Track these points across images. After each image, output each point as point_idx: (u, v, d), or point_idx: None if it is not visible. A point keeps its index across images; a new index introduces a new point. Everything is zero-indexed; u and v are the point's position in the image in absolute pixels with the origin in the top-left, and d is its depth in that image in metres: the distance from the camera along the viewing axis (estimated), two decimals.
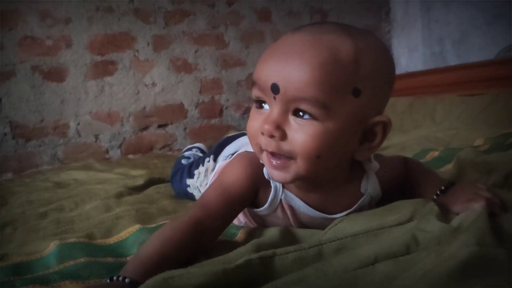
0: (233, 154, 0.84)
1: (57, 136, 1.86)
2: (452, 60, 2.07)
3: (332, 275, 0.38)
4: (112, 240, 0.70)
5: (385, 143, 1.41)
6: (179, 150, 2.00)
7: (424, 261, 0.38)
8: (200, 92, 2.13)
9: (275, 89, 0.49)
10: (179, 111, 2.09)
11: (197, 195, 0.91)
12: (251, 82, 0.55)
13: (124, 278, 0.44)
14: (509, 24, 1.77)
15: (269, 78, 0.49)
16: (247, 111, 2.23)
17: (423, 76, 2.01)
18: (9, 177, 1.67)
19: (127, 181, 1.17)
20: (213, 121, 2.16)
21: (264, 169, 0.58)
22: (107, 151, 1.95)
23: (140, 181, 1.08)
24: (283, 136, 0.49)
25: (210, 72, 2.15)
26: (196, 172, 0.92)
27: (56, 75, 1.84)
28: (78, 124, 1.90)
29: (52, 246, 0.66)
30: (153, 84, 2.03)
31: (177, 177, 0.96)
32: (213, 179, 0.77)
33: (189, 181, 0.92)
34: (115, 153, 1.96)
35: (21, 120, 1.79)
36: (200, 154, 1.12)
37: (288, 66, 0.48)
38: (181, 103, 2.10)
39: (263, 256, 0.41)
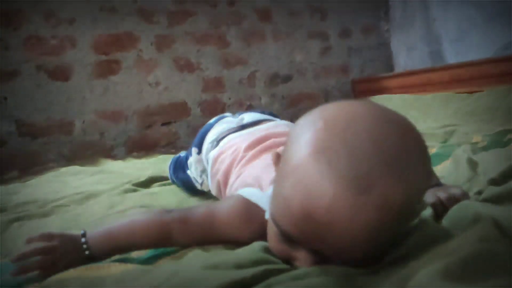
0: (218, 141, 0.84)
1: (63, 134, 1.89)
2: (451, 58, 2.09)
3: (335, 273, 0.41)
4: None
5: None
6: (183, 147, 2.03)
7: (423, 257, 0.39)
8: (202, 90, 2.16)
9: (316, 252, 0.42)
10: (182, 109, 2.12)
11: (198, 187, 0.92)
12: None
13: (86, 249, 0.57)
14: (507, 22, 1.78)
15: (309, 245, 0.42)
16: (248, 108, 2.26)
17: (422, 74, 2.03)
18: (15, 175, 1.71)
19: (132, 178, 1.20)
20: None
21: None
22: (112, 149, 1.98)
23: (144, 178, 1.10)
24: None
25: (212, 71, 2.17)
26: (188, 162, 0.93)
27: (61, 74, 1.87)
28: (83, 122, 1.93)
29: None
30: (157, 83, 2.06)
31: (178, 169, 0.97)
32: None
33: (189, 173, 0.93)
34: (120, 151, 1.99)
35: (27, 118, 1.82)
36: None
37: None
38: (184, 101, 2.12)
39: (281, 269, 0.43)
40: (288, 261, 0.47)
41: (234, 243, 0.57)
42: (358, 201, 0.37)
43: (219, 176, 0.78)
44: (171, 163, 1.02)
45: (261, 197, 0.58)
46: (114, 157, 1.89)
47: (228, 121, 0.90)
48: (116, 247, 0.58)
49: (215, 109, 2.19)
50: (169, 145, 2.09)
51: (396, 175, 0.37)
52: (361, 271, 0.42)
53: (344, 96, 2.47)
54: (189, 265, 0.52)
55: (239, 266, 0.47)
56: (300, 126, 0.43)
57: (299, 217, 0.39)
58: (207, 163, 0.85)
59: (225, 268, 0.47)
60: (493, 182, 0.70)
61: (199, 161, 0.87)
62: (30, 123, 1.82)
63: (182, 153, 1.03)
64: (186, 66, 2.12)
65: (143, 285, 0.48)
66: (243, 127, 0.86)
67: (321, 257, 0.42)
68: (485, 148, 1.07)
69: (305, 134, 0.41)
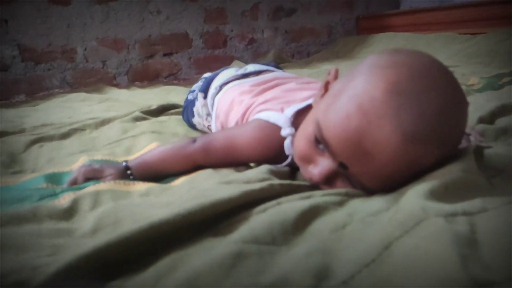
0: (221, 86, 0.87)
1: (65, 60, 1.89)
2: None
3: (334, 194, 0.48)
4: (134, 157, 0.79)
5: None
6: (185, 79, 2.06)
7: (412, 183, 0.45)
8: (204, 21, 2.13)
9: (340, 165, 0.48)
10: (183, 40, 2.11)
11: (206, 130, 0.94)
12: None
13: (128, 169, 0.64)
14: None
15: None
16: (251, 42, 2.25)
17: (427, 13, 2.01)
18: (22, 99, 1.74)
19: (139, 106, 1.24)
20: (217, 51, 2.19)
21: (286, 144, 0.61)
22: (114, 77, 2.00)
23: (153, 107, 1.14)
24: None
25: (214, 1, 2.13)
26: (194, 109, 0.95)
27: None
28: (85, 49, 1.93)
29: (81, 161, 0.75)
30: (158, 12, 2.03)
31: (185, 116, 1.00)
32: (220, 120, 0.81)
33: (193, 120, 0.96)
34: (122, 80, 2.01)
35: (29, 43, 1.81)
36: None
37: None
38: (186, 32, 2.11)
39: (282, 183, 0.50)
40: (302, 164, 0.54)
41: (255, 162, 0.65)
42: (403, 147, 0.43)
43: (221, 117, 0.80)
44: (183, 110, 1.04)
45: (279, 117, 0.62)
46: (118, 86, 1.91)
47: (232, 70, 0.92)
48: (150, 174, 0.65)
49: (217, 41, 2.18)
50: (171, 76, 2.11)
51: (440, 146, 0.45)
52: (358, 193, 0.49)
53: (348, 33, 2.45)
54: (204, 182, 0.59)
55: (248, 182, 0.54)
56: (385, 59, 0.47)
57: (349, 135, 0.44)
58: (212, 107, 0.88)
59: (236, 183, 0.54)
60: (482, 120, 0.75)
61: (205, 105, 0.91)
62: (32, 48, 1.82)
63: (190, 96, 1.03)
64: None
65: (165, 197, 0.55)
66: (245, 75, 0.87)
67: (337, 172, 0.49)
68: (479, 90, 1.11)
69: (387, 69, 0.45)
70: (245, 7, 2.20)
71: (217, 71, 0.96)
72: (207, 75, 1.32)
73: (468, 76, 1.35)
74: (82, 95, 1.49)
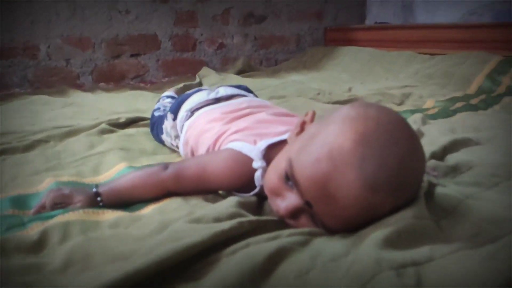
0: (192, 112, 0.88)
1: (27, 57, 1.83)
2: (420, 14, 2.16)
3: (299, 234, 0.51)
4: (102, 178, 0.79)
5: (346, 96, 1.53)
6: (152, 82, 2.04)
7: (369, 227, 0.49)
8: (174, 23, 2.12)
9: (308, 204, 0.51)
10: (152, 41, 2.09)
11: (175, 149, 0.95)
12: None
13: (98, 195, 0.64)
14: None
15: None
16: (220, 47, 2.26)
17: (392, 30, 2.10)
18: None
19: (105, 114, 1.23)
20: (185, 55, 2.18)
21: (256, 175, 0.64)
22: (78, 77, 1.95)
23: (121, 120, 1.13)
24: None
25: (186, 4, 2.12)
26: (163, 127, 0.96)
27: None
28: (49, 47, 1.87)
29: (47, 183, 0.74)
30: (127, 12, 2.00)
31: (154, 131, 1.01)
32: (189, 145, 0.82)
33: (162, 137, 0.97)
34: (86, 80, 1.97)
35: None
36: (168, 103, 1.12)
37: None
38: (155, 33, 2.09)
39: (251, 220, 0.52)
40: (272, 197, 0.57)
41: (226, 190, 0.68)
42: (363, 194, 0.47)
43: (191, 142, 0.82)
44: (152, 125, 1.04)
45: (252, 150, 0.65)
46: (81, 86, 1.87)
47: (204, 93, 0.93)
48: (121, 201, 0.66)
49: (186, 44, 2.17)
50: (137, 78, 2.09)
51: (398, 195, 0.50)
52: (320, 232, 0.52)
53: (316, 43, 2.51)
54: (174, 217, 0.60)
55: (218, 219, 0.56)
56: (356, 111, 0.51)
57: (317, 178, 0.48)
58: (181, 130, 0.89)
59: (206, 221, 0.56)
60: (434, 155, 0.80)
61: (174, 126, 0.92)
62: None
63: (156, 112, 1.02)
64: None
65: (135, 230, 0.57)
66: (217, 100, 0.89)
67: (302, 209, 0.52)
68: (434, 116, 1.18)
69: (357, 121, 0.49)
70: (216, 12, 2.21)
71: (189, 92, 0.97)
72: (167, 93, 1.32)
73: (425, 98, 1.44)
74: (45, 98, 1.45)
